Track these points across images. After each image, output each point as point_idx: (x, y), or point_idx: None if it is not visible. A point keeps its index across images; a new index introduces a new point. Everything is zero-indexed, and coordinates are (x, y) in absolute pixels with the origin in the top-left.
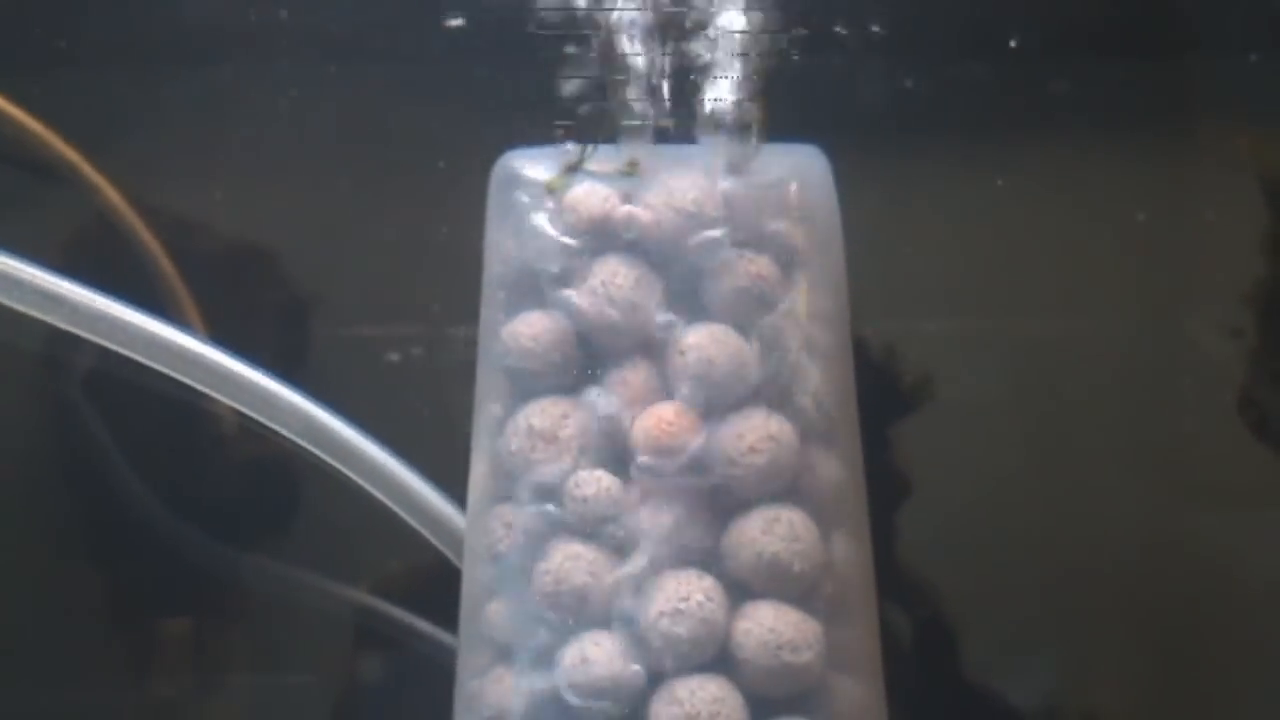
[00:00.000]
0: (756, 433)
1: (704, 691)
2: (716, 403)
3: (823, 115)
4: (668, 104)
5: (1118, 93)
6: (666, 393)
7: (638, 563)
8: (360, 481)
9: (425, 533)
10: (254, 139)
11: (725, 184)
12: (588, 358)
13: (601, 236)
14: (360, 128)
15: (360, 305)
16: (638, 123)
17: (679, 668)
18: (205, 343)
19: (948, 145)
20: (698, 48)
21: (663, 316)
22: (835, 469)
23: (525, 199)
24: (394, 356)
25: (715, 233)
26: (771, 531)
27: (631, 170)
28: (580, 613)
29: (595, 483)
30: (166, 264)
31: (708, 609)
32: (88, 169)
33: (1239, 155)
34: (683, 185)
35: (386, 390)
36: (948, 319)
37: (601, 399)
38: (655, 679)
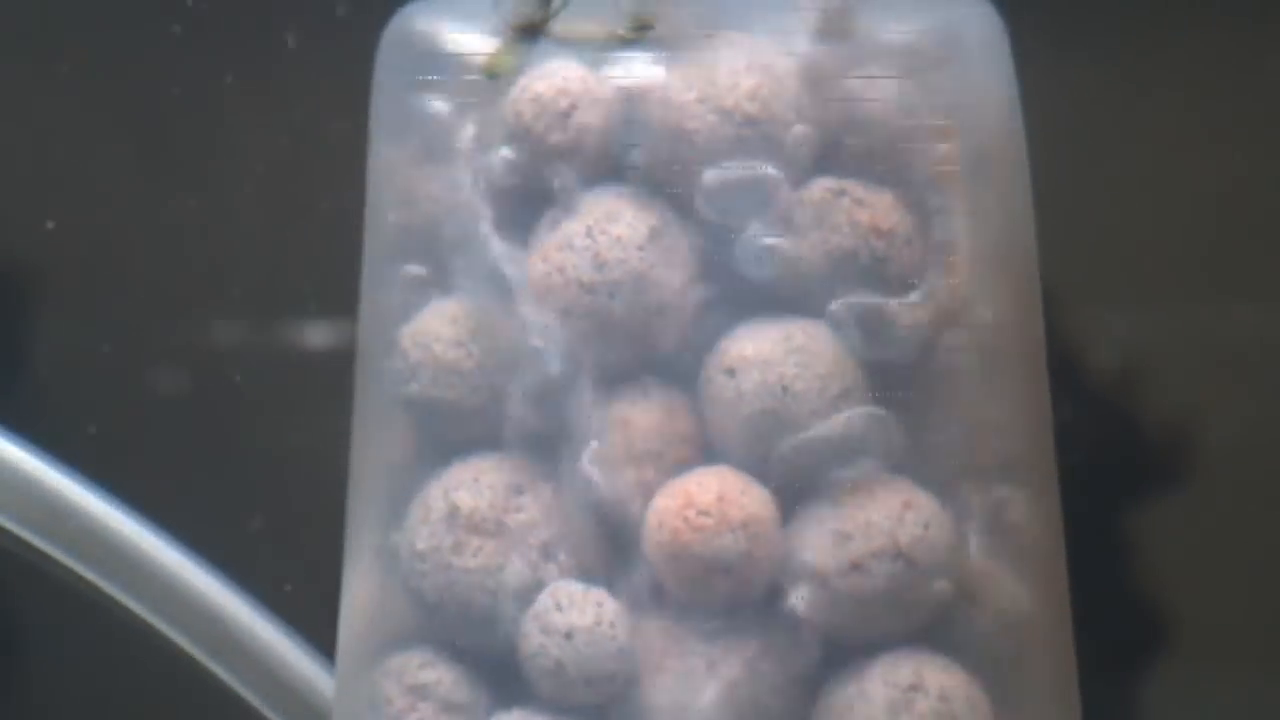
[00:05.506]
0: (873, 528)
1: None
2: (797, 467)
3: None
4: None
5: None
6: (703, 446)
7: None
8: (138, 609)
9: (260, 704)
10: None
11: (811, 62)
12: (557, 379)
13: (586, 157)
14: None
15: (130, 295)
16: None
17: None
18: None
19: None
20: None
21: (696, 300)
22: (1018, 591)
23: (440, 91)
24: (191, 380)
25: (793, 150)
26: (908, 710)
27: (639, 36)
28: None
29: (587, 608)
30: None
31: None
32: None
33: None
34: (733, 66)
35: (182, 445)
36: (1196, 303)
37: (585, 458)
38: None
